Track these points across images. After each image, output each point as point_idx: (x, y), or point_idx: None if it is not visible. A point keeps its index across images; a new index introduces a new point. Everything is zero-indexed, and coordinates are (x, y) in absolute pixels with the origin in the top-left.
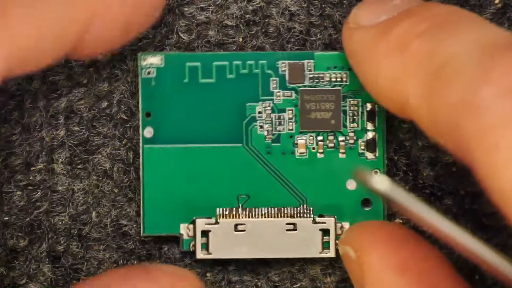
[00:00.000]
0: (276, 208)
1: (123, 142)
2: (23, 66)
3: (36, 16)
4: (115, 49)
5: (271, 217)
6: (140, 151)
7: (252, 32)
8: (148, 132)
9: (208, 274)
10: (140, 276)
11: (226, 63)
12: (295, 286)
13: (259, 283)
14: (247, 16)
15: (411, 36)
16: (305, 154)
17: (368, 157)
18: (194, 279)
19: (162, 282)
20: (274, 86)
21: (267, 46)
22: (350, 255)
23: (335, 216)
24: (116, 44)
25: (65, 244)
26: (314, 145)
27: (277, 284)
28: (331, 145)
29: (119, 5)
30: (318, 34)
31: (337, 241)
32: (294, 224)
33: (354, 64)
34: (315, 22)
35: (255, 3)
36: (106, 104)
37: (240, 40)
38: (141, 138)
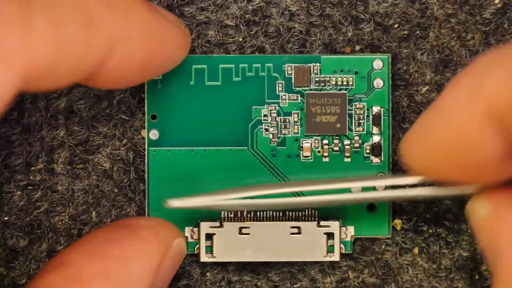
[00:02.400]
0: (280, 212)
1: (123, 142)
2: (40, 82)
3: (58, 34)
4: (132, 84)
5: (276, 220)
6: (146, 153)
7: (252, 32)
8: (154, 134)
9: (208, 274)
10: (125, 235)
11: (232, 65)
12: (295, 286)
13: (259, 283)
14: (247, 16)
15: None
16: (310, 157)
17: (373, 161)
18: (176, 229)
19: (146, 236)
20: (280, 89)
21: (267, 46)
22: (480, 212)
23: (340, 220)
24: (135, 79)
25: (65, 244)
26: (319, 149)
27: (277, 284)
28: (336, 148)
29: (141, 38)
30: (318, 34)
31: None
32: (298, 227)
33: None
34: (315, 22)
35: (255, 3)
36: (106, 104)
37: (240, 39)
38: (146, 140)
